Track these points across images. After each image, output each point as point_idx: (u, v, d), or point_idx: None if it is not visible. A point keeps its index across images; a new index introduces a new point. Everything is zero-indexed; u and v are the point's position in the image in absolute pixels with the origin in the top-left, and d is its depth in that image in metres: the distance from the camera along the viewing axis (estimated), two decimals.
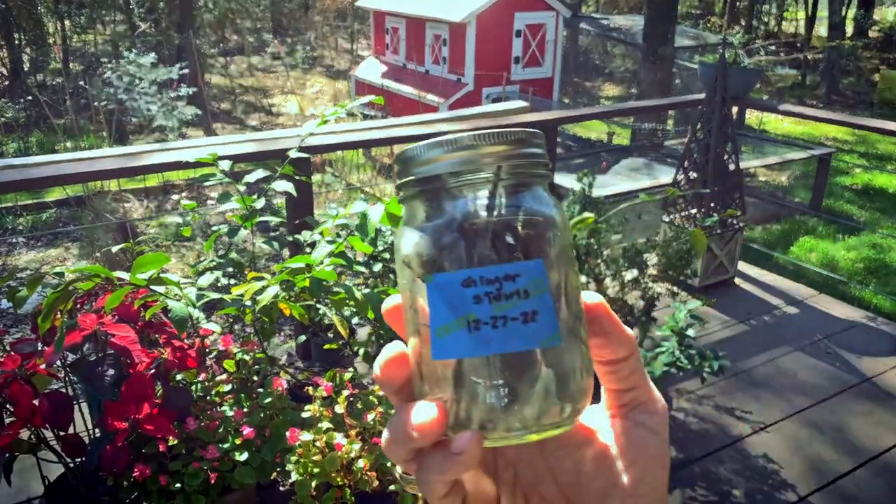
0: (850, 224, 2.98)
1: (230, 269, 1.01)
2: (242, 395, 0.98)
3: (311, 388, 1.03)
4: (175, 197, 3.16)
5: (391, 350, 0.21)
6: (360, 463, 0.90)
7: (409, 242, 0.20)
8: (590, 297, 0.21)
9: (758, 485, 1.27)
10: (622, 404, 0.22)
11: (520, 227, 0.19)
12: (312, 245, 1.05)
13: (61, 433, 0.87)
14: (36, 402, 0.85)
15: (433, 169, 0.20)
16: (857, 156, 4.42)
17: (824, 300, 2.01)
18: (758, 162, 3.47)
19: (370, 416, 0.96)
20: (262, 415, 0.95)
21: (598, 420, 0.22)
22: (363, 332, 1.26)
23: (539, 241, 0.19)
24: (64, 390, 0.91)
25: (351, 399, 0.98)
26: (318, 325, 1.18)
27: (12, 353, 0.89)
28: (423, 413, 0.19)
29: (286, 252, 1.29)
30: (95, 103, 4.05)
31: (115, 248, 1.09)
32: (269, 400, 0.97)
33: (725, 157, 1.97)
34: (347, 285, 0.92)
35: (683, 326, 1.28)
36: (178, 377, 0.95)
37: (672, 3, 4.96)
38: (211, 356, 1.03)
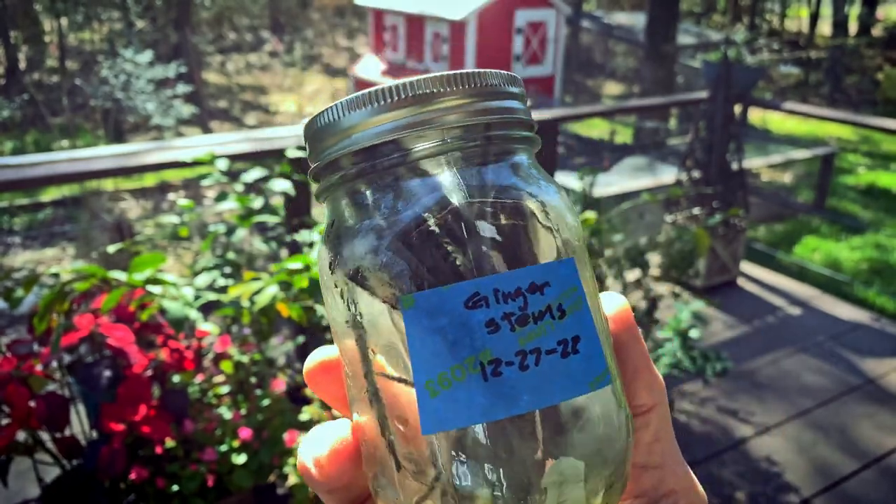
0: (854, 224, 2.97)
1: (227, 270, 1.00)
2: (240, 397, 0.97)
3: (309, 389, 1.02)
4: (172, 196, 3.14)
5: (333, 434, 0.13)
6: None
7: (355, 250, 0.13)
8: (611, 300, 0.14)
9: (761, 487, 1.26)
10: (640, 492, 0.14)
11: (518, 216, 0.13)
12: (311, 245, 1.04)
13: (57, 435, 0.87)
14: (32, 403, 0.84)
15: (376, 136, 0.13)
16: (861, 155, 4.40)
17: (828, 301, 1.99)
18: (761, 161, 3.46)
19: None
20: (260, 417, 0.94)
21: None
22: None
23: (546, 234, 0.13)
24: (60, 392, 0.91)
25: None
26: (317, 327, 1.17)
27: (8, 354, 0.88)
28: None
29: (284, 252, 1.28)
30: (92, 102, 4.04)
31: (111, 248, 1.08)
32: (267, 402, 0.96)
33: (728, 155, 1.95)
34: None
35: (686, 327, 1.27)
36: (176, 379, 0.94)
37: (674, 0, 4.93)
38: (208, 357, 1.02)
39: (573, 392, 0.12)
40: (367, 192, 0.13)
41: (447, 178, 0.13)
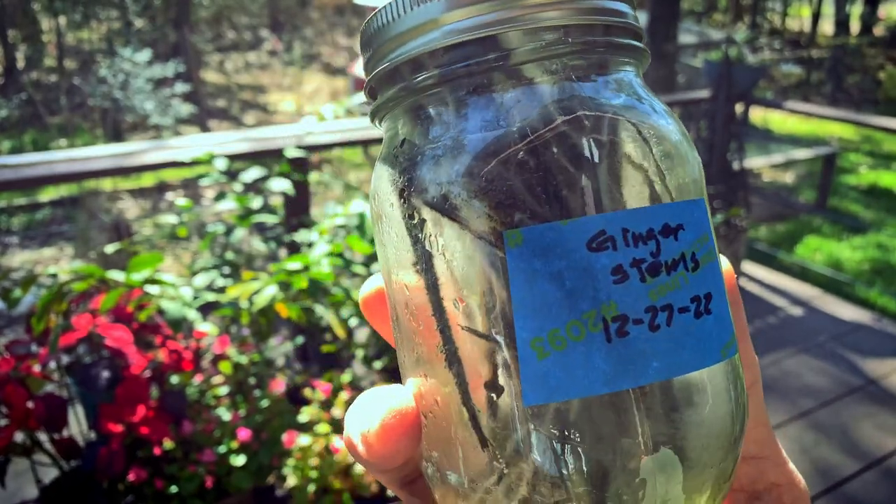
0: (856, 224, 2.96)
1: (226, 270, 1.00)
2: (239, 398, 0.97)
3: (308, 390, 1.02)
4: (170, 196, 3.14)
5: (385, 403, 0.11)
6: (359, 467, 0.89)
7: (441, 173, 0.10)
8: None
9: None
10: (737, 487, 0.13)
11: (644, 142, 0.10)
12: (310, 245, 1.04)
13: (56, 436, 0.86)
14: (30, 404, 0.83)
15: (460, 33, 0.10)
16: (863, 154, 4.39)
17: (829, 301, 1.99)
18: (762, 160, 3.45)
19: None
20: (258, 418, 0.94)
21: None
22: (361, 334, 1.25)
23: (675, 167, 0.10)
24: (59, 392, 0.90)
25: (349, 401, 0.97)
26: (316, 327, 1.16)
27: (6, 354, 0.87)
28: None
29: (283, 252, 1.27)
30: (90, 101, 4.03)
31: (109, 249, 1.07)
32: (266, 403, 0.95)
33: (729, 155, 1.94)
34: (345, 286, 0.91)
35: None
36: (174, 379, 0.94)
37: None
38: (207, 358, 1.01)
39: (705, 360, 0.10)
40: (451, 104, 0.11)
41: (553, 90, 0.11)
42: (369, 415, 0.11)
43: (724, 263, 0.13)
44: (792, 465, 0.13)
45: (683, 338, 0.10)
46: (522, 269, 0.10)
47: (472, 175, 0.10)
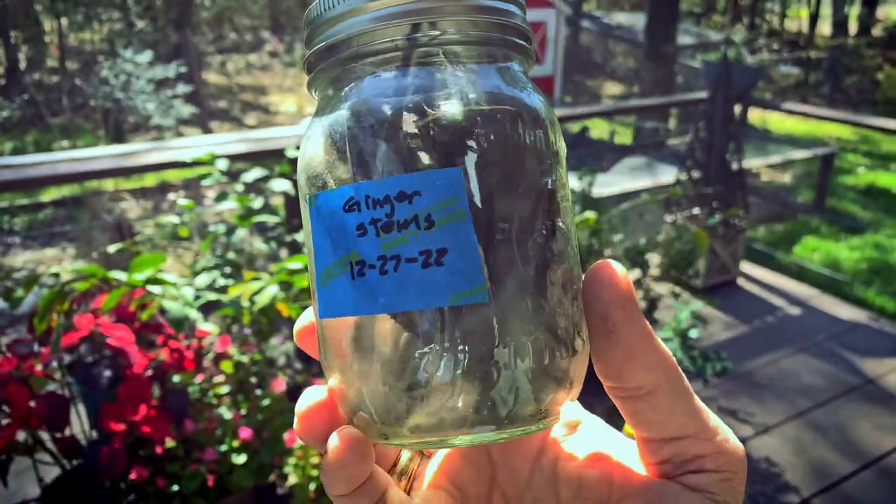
0: (854, 224, 2.97)
1: (227, 270, 1.00)
2: (240, 397, 0.97)
3: None
4: (172, 196, 3.15)
5: (312, 396, 0.14)
6: None
7: (304, 148, 0.14)
8: (602, 269, 0.14)
9: (760, 487, 1.26)
10: (661, 460, 0.14)
11: (457, 117, 0.12)
12: None
13: (58, 435, 0.87)
14: (32, 403, 0.84)
15: (338, 32, 0.13)
16: (861, 155, 4.40)
17: (827, 301, 2.00)
18: (760, 161, 3.46)
19: None
20: (260, 417, 0.95)
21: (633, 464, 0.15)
22: None
23: (491, 142, 0.12)
24: (61, 392, 0.91)
25: None
26: None
27: (8, 354, 0.88)
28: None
29: (284, 252, 1.28)
30: (92, 102, 4.04)
31: (111, 248, 1.08)
32: (267, 402, 0.96)
33: (728, 155, 1.95)
34: None
35: (686, 327, 1.27)
36: (176, 379, 0.95)
37: (674, 0, 4.93)
38: (209, 357, 1.02)
39: (429, 302, 0.12)
40: (328, 89, 0.14)
41: (385, 80, 0.13)
42: (300, 402, 0.15)
43: (607, 272, 0.14)
44: (723, 438, 0.15)
45: (407, 282, 0.12)
46: (314, 223, 0.14)
47: (303, 155, 0.14)
